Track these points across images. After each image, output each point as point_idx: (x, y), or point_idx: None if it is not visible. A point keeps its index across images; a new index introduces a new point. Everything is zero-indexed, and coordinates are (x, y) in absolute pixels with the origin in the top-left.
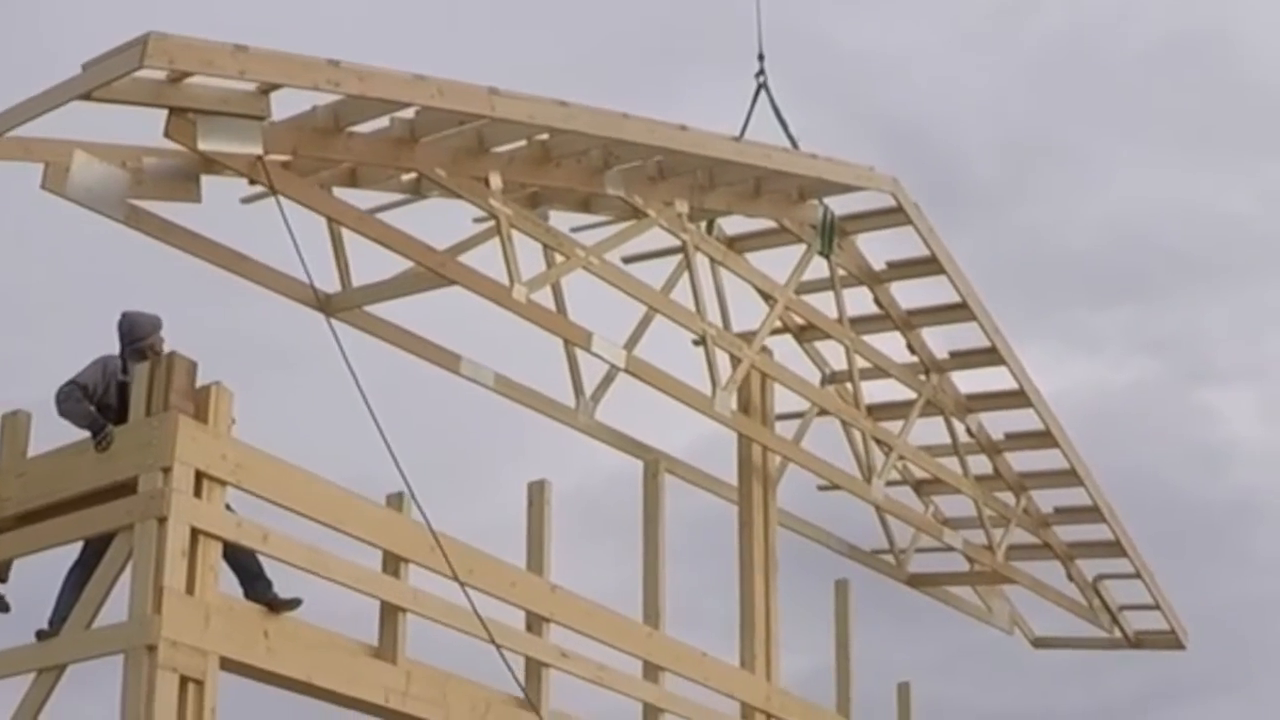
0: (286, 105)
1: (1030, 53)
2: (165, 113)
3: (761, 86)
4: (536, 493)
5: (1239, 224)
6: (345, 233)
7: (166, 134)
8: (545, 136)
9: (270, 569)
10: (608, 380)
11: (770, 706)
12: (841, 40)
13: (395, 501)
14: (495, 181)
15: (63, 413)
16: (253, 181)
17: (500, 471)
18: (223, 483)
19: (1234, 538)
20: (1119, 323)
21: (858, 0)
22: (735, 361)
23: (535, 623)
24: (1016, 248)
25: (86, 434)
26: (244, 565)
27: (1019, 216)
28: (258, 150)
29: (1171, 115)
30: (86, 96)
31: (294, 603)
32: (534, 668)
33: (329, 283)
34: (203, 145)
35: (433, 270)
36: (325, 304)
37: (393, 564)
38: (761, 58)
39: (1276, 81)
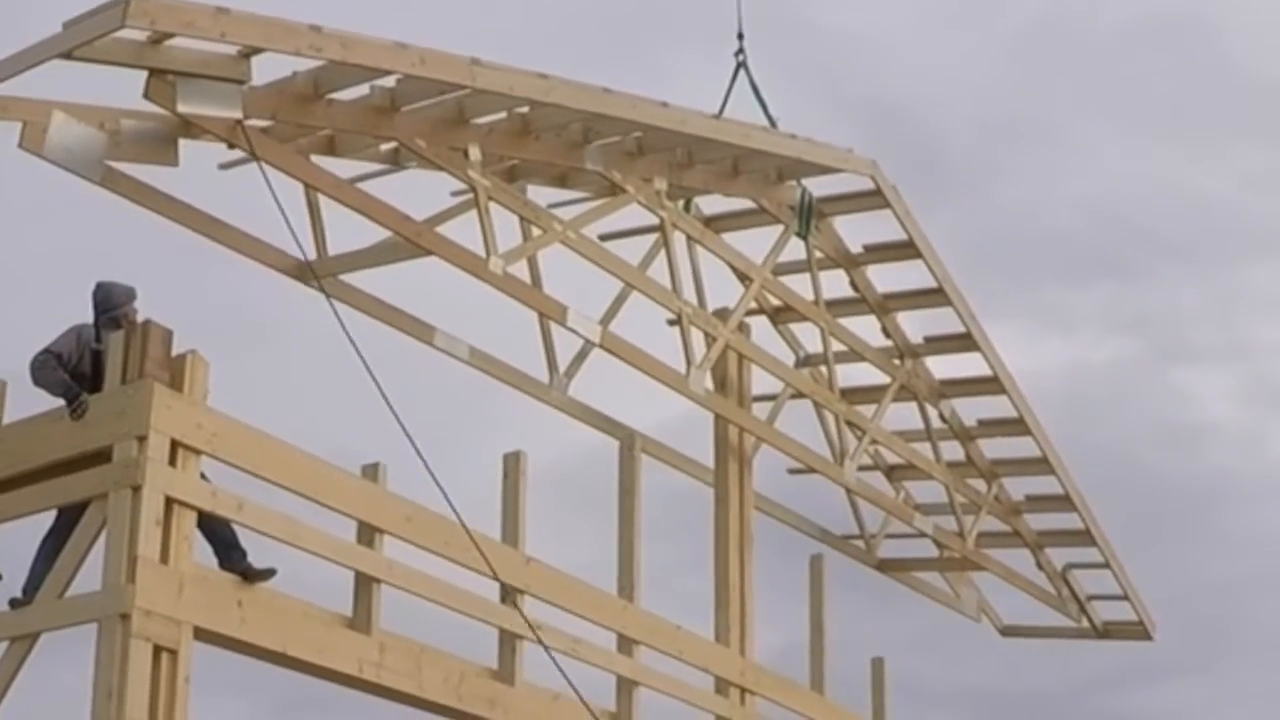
0: (267, 70)
1: (1009, 32)
2: (145, 74)
3: (740, 65)
4: (512, 464)
5: (1216, 204)
6: (322, 201)
7: (146, 95)
8: (525, 109)
9: (245, 539)
10: (582, 356)
11: (745, 681)
12: (821, 19)
13: (370, 472)
14: (474, 153)
15: (37, 381)
16: (231, 146)
17: (476, 444)
18: (198, 452)
19: (1207, 518)
20: (1095, 302)
21: None
22: (710, 341)
23: (510, 595)
24: (994, 226)
25: (61, 402)
26: (219, 535)
27: (997, 195)
28: (237, 114)
29: (1150, 95)
30: (67, 55)
31: (268, 573)
32: (508, 640)
33: (305, 249)
34: (182, 108)
35: (409, 240)
36: (302, 272)
37: (367, 534)
38: (741, 37)
39: (1254, 63)
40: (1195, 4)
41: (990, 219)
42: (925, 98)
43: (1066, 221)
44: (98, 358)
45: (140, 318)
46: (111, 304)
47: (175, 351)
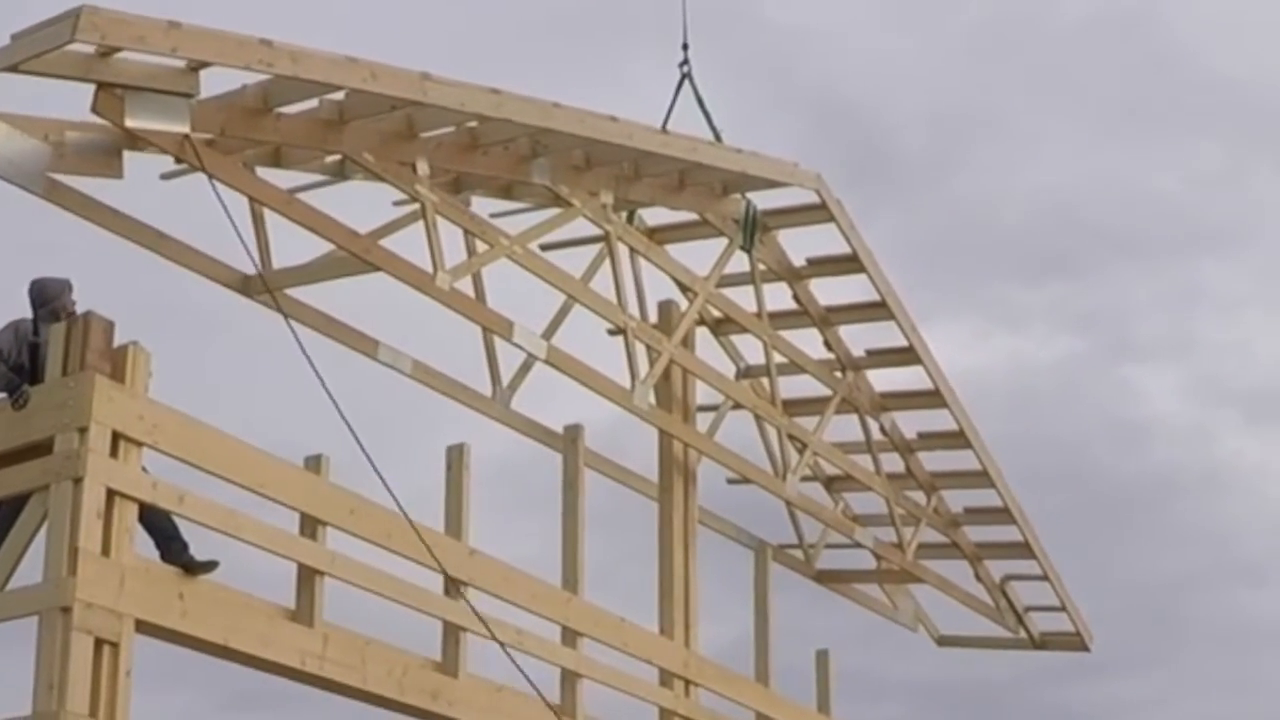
0: (215, 83)
1: (962, 27)
2: (92, 87)
3: (685, 77)
4: (455, 457)
5: (1165, 202)
6: (267, 214)
7: (94, 109)
8: (474, 123)
9: (187, 531)
10: (525, 369)
11: (688, 673)
12: (771, 14)
13: (314, 464)
14: (422, 168)
15: None
16: (178, 160)
17: (421, 439)
18: (139, 443)
19: (1156, 513)
20: (1045, 299)
21: None
22: (654, 355)
23: (453, 587)
24: (944, 222)
25: (2, 396)
26: (160, 527)
27: (947, 191)
28: (185, 128)
29: (1101, 92)
30: (13, 69)
31: (210, 565)
32: (451, 631)
33: (249, 264)
34: (130, 122)
35: (356, 255)
36: (245, 286)
37: (310, 526)
38: (686, 48)
39: (1206, 59)
40: (1146, 1)
41: (940, 215)
42: (876, 93)
43: (1017, 217)
44: (36, 350)
45: (80, 309)
46: (47, 297)
47: (116, 343)
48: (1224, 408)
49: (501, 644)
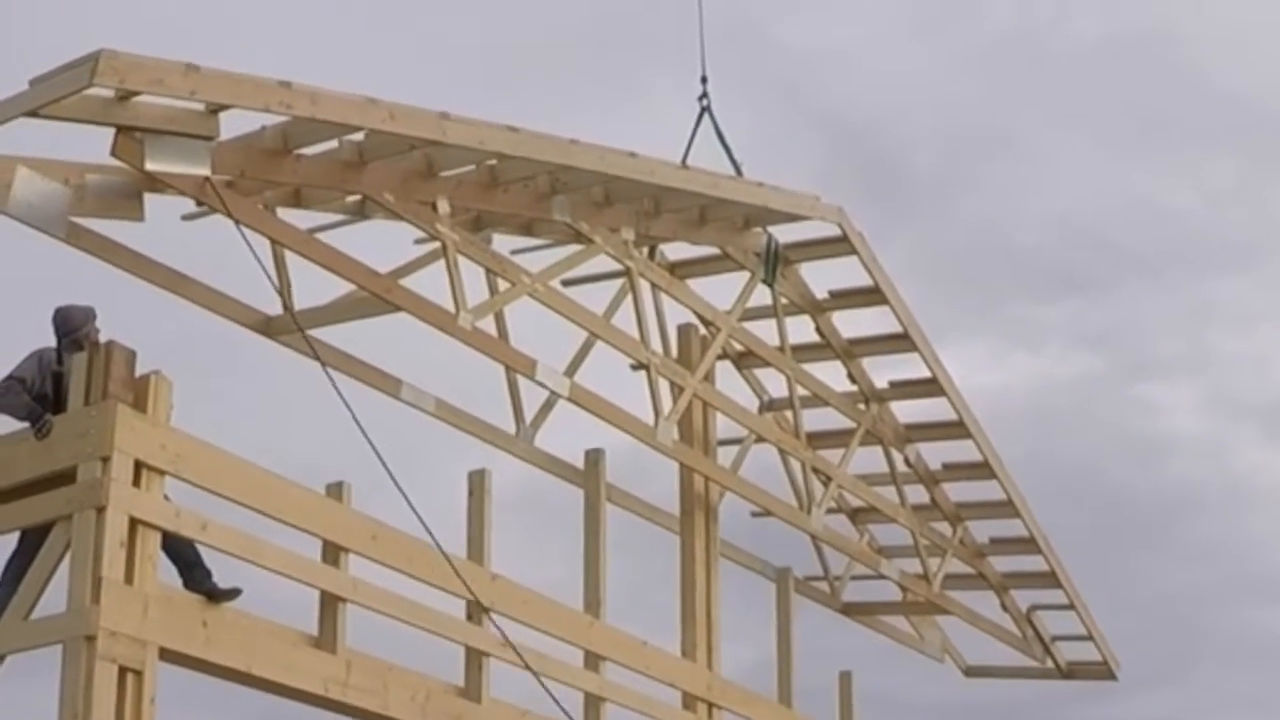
0: (234, 125)
1: (976, 47)
2: (111, 130)
3: (705, 110)
4: (477, 482)
5: (1181, 219)
6: (288, 256)
7: (113, 153)
8: (494, 161)
9: (209, 558)
10: (548, 405)
11: (711, 695)
12: (787, 36)
13: (335, 491)
14: (443, 207)
15: (2, 408)
16: (200, 204)
17: (444, 464)
18: (162, 472)
19: (1173, 529)
20: (1061, 317)
21: None
22: (677, 390)
23: (475, 612)
24: (961, 241)
25: (25, 425)
26: (182, 555)
27: (963, 210)
28: (205, 171)
29: (1116, 111)
30: (33, 114)
31: (233, 592)
32: (474, 657)
33: (271, 304)
34: (150, 165)
35: (378, 296)
36: (267, 327)
37: (332, 553)
38: (704, 80)
39: (1221, 77)
40: (1161, 18)
41: (957, 234)
42: (892, 113)
43: (1032, 236)
44: (59, 380)
45: (103, 338)
46: (71, 326)
47: (139, 372)
48: (1241, 423)
49: (534, 672)
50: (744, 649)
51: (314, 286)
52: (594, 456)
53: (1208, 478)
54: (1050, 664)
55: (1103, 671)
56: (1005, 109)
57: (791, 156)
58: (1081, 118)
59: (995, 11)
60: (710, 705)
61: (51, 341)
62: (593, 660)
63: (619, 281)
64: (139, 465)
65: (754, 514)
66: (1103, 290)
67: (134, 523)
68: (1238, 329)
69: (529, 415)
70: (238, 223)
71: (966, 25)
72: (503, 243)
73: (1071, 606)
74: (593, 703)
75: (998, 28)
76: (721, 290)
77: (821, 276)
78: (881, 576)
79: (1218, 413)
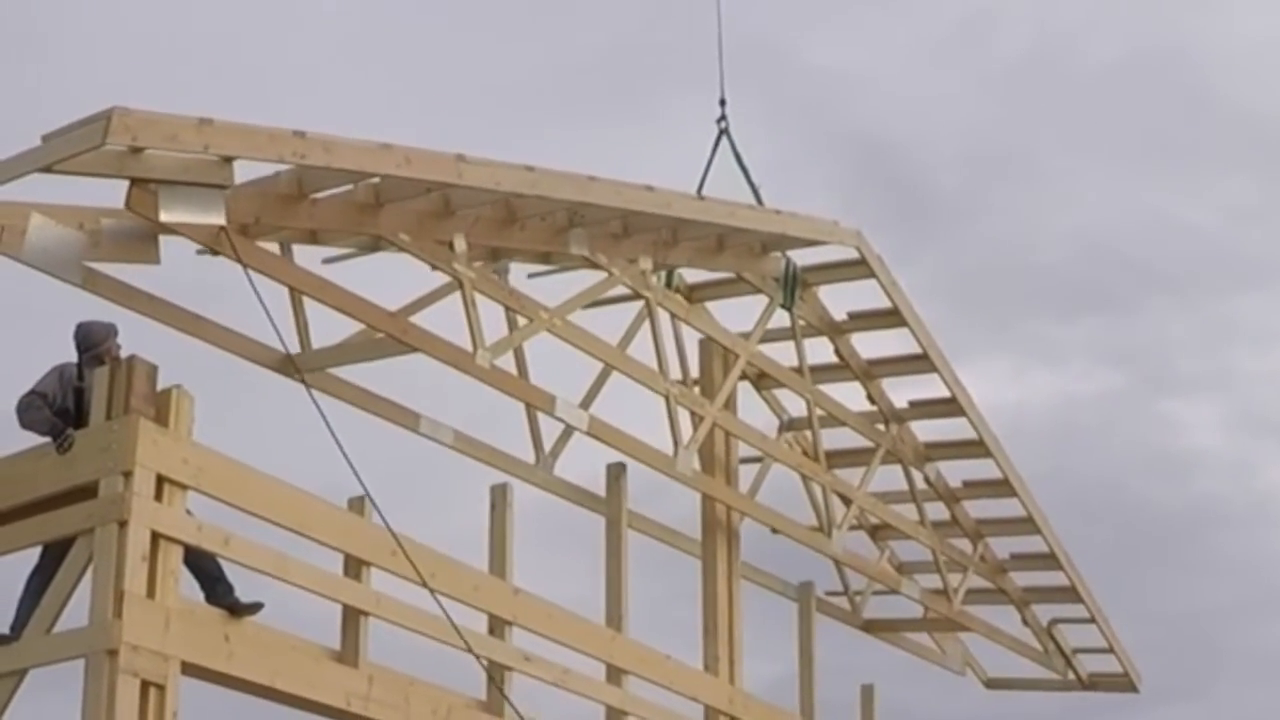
0: (249, 168)
1: (996, 67)
2: (126, 181)
3: (723, 133)
4: (499, 496)
5: (1201, 237)
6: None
7: (128, 206)
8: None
9: (231, 573)
10: (567, 436)
11: (733, 709)
12: (809, 57)
13: (357, 505)
14: (460, 245)
15: (24, 423)
16: (215, 253)
17: (468, 479)
18: (184, 486)
19: (1196, 545)
20: (1083, 334)
21: (823, 17)
22: (697, 419)
23: (498, 626)
24: (982, 260)
25: (46, 440)
26: (205, 569)
27: (984, 229)
28: (220, 220)
29: (1135, 129)
30: (47, 170)
31: (255, 607)
32: (497, 671)
33: (289, 344)
34: (165, 216)
35: (395, 337)
36: (284, 366)
37: (354, 568)
38: (723, 103)
39: (1238, 96)
40: (1180, 39)
41: (978, 253)
42: (912, 134)
43: (1054, 255)
44: (80, 395)
45: (124, 354)
46: (93, 341)
47: (160, 387)
48: (1264, 440)
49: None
50: (766, 664)
51: (332, 324)
52: (615, 471)
53: (1230, 494)
54: (1072, 676)
55: (1124, 683)
56: (1026, 129)
57: (814, 177)
58: (1101, 138)
59: (1014, 33)
60: (732, 719)
61: (72, 356)
62: (615, 674)
63: (637, 306)
64: (161, 479)
65: (774, 530)
66: (1125, 308)
67: (156, 537)
68: (1260, 346)
69: (548, 444)
70: (246, 268)
71: (986, 48)
72: (519, 268)
73: (1093, 620)
74: (615, 716)
75: (1017, 49)
76: (740, 314)
77: (840, 299)
78: (904, 595)
79: (1240, 430)
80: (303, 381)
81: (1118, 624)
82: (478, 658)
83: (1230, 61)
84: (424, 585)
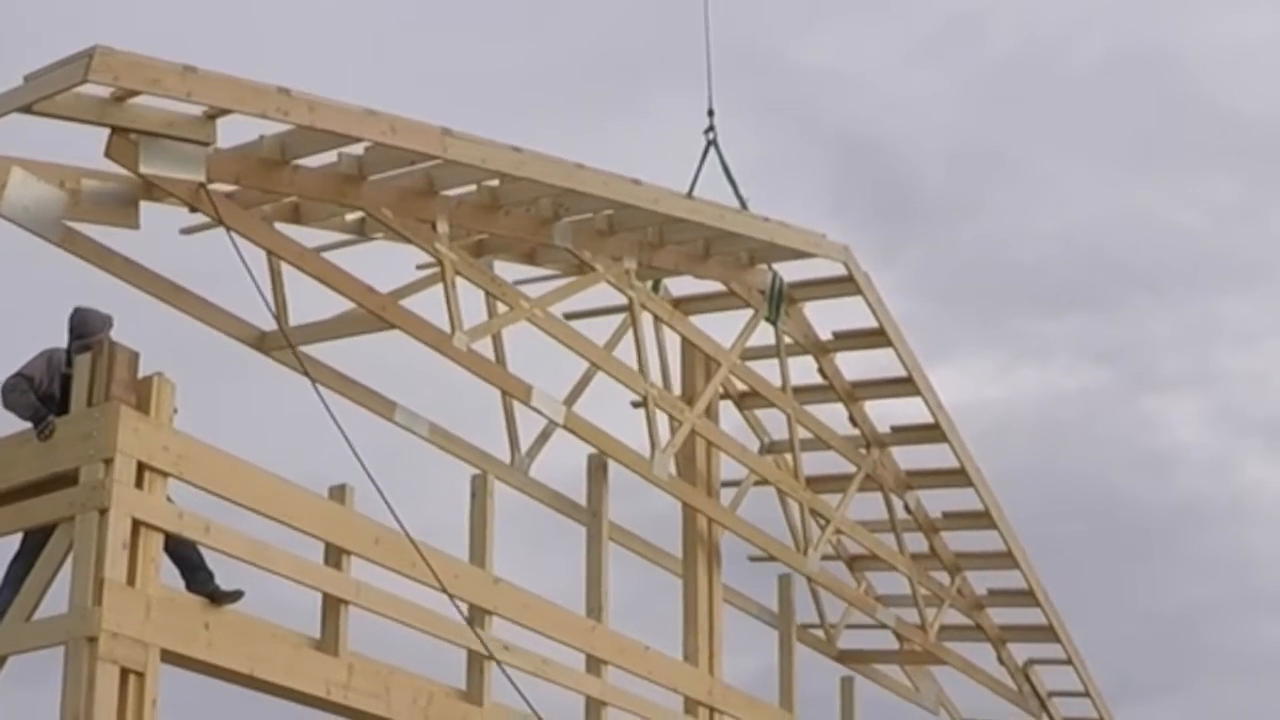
0: (232, 134)
1: (982, 68)
2: (107, 132)
3: (711, 144)
4: (480, 486)
5: (1185, 237)
6: (284, 270)
7: (108, 154)
8: (495, 182)
9: (212, 561)
10: (545, 436)
11: (713, 700)
12: (796, 56)
13: (338, 494)
14: (442, 226)
15: (7, 405)
16: (193, 210)
17: (447, 470)
18: (164, 474)
19: (1178, 541)
20: (1068, 332)
21: (812, 17)
22: (676, 425)
23: (477, 615)
24: (968, 259)
25: (29, 425)
26: (185, 557)
27: (971, 228)
28: (201, 177)
29: (1121, 130)
30: (27, 109)
31: (236, 595)
32: (476, 661)
33: (265, 319)
34: (144, 168)
35: (373, 313)
36: (261, 342)
37: (335, 556)
38: (711, 113)
39: (1224, 96)
40: (1166, 39)
41: (965, 251)
42: (900, 133)
43: (1040, 253)
44: (66, 381)
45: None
46: (87, 330)
47: (141, 374)
48: (1246, 438)
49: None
50: (746, 659)
51: (309, 302)
52: (598, 461)
53: (1212, 492)
54: (1045, 719)
55: None
56: (1012, 129)
57: (801, 175)
58: (1087, 137)
59: (1001, 34)
60: (712, 710)
61: (62, 341)
62: (595, 664)
63: (620, 315)
64: (141, 467)
65: (752, 559)
66: (1108, 306)
67: (136, 524)
68: (1242, 345)
69: (525, 443)
70: (229, 230)
71: (973, 48)
72: (504, 271)
73: (1069, 661)
74: (594, 707)
75: (1004, 50)
76: (724, 326)
77: (826, 317)
78: (879, 625)
79: (1222, 428)
80: (296, 358)
81: (1099, 619)
82: (496, 662)
83: (1215, 63)
84: (443, 590)
